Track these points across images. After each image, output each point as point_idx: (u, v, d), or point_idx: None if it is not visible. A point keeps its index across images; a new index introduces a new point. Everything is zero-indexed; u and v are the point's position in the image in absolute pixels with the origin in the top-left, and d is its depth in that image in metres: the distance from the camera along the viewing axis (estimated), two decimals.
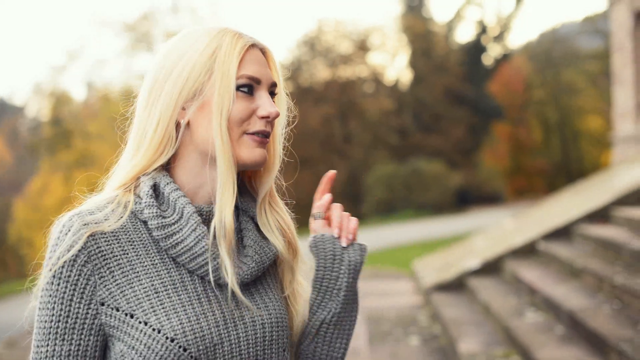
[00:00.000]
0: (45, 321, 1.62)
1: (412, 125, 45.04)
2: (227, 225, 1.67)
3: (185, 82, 1.69)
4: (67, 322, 1.61)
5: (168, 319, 1.62)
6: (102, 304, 1.62)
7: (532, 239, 10.70)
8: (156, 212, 1.67)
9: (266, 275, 1.83)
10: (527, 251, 10.60)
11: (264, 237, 1.82)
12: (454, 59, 48.01)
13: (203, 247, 1.67)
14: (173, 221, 1.68)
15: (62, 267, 1.62)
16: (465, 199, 43.61)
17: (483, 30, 51.63)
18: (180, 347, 1.60)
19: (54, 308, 1.61)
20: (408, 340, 8.68)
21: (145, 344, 1.60)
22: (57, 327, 1.61)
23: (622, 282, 7.50)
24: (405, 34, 46.91)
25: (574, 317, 7.27)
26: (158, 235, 1.67)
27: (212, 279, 1.67)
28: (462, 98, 47.72)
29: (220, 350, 1.65)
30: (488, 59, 51.96)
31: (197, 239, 1.67)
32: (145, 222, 1.71)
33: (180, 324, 1.62)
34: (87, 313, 1.62)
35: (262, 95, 1.75)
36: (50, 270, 1.62)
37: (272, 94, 1.82)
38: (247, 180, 1.88)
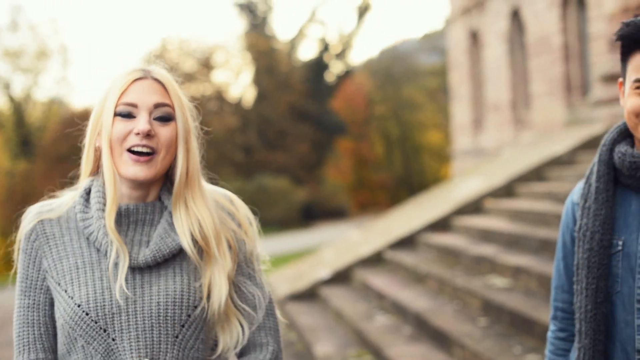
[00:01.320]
0: (18, 281, 2.21)
1: (257, 142, 45.48)
2: (108, 222, 2.12)
3: (94, 118, 2.20)
4: (26, 282, 2.20)
5: (79, 290, 2.10)
6: (46, 271, 2.17)
7: (379, 248, 11.34)
8: (80, 209, 2.19)
9: (181, 262, 2.20)
10: (375, 260, 11.22)
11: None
12: (297, 76, 48.79)
13: (103, 235, 2.13)
14: (89, 216, 2.17)
15: (22, 242, 2.20)
16: (311, 214, 44.37)
17: (325, 47, 52.75)
18: (83, 311, 2.08)
19: (20, 272, 2.20)
20: None
21: (63, 306, 2.12)
22: (21, 286, 2.20)
23: (462, 284, 8.17)
24: (249, 52, 47.34)
25: (420, 318, 7.87)
26: (81, 225, 2.17)
27: (110, 262, 2.12)
28: (306, 115, 48.51)
29: (118, 319, 2.08)
30: (330, 76, 53.10)
31: (99, 229, 2.14)
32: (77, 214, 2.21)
33: (87, 294, 2.09)
34: (38, 276, 2.18)
35: (140, 116, 2.14)
36: (18, 244, 2.21)
37: (168, 117, 2.18)
38: None
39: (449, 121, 44.96)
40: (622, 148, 2.31)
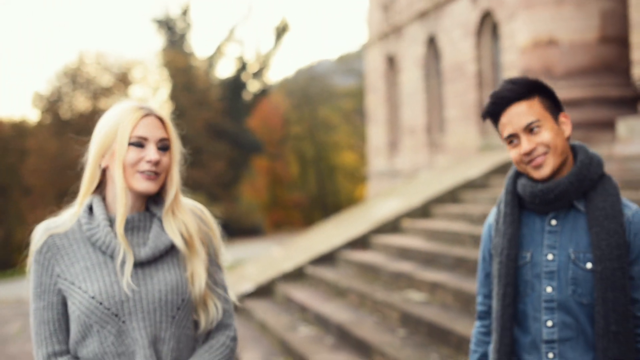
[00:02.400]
0: (32, 288, 2.66)
1: None
2: (118, 229, 2.64)
3: (103, 140, 2.68)
4: (40, 288, 2.65)
5: (92, 285, 2.60)
6: (58, 276, 2.63)
7: (301, 264, 11.77)
8: (85, 221, 2.67)
9: (172, 258, 2.73)
10: (297, 275, 11.65)
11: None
12: (215, 94, 48.98)
13: (110, 240, 2.63)
14: (94, 226, 2.66)
15: (36, 254, 2.65)
16: (227, 231, 44.08)
17: (243, 66, 53.11)
18: (97, 301, 2.58)
19: (34, 280, 2.66)
20: None
21: (79, 300, 2.59)
22: (36, 291, 2.65)
23: (382, 298, 8.66)
24: (166, 68, 47.38)
25: (342, 329, 8.33)
26: (88, 235, 2.66)
27: (119, 264, 2.63)
28: (223, 132, 48.70)
29: (127, 305, 2.60)
30: (247, 94, 53.44)
31: (106, 235, 2.64)
32: (82, 226, 2.68)
33: (99, 288, 2.59)
34: (50, 281, 2.64)
35: (149, 147, 2.68)
36: (31, 257, 2.67)
37: (167, 147, 2.74)
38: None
39: (364, 143, 45.80)
40: (522, 180, 2.84)
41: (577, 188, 2.74)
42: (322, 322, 9.09)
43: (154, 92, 47.40)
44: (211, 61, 52.91)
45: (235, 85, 52.28)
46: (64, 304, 2.65)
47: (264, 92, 54.40)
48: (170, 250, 2.73)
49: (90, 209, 2.70)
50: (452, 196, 11.94)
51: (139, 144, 2.66)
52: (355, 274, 10.63)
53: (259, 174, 53.17)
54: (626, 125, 9.56)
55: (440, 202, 11.96)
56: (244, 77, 53.40)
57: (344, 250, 11.70)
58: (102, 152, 2.68)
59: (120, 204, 2.64)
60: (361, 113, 50.67)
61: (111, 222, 2.68)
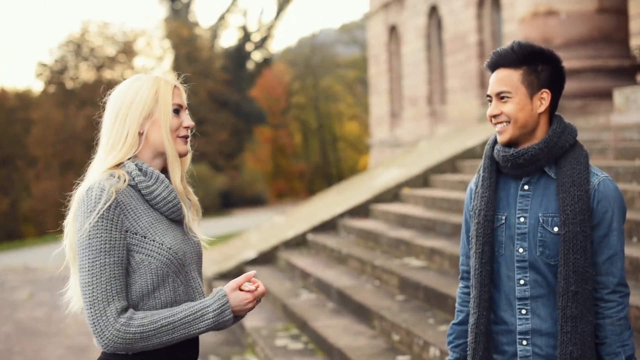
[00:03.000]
0: (98, 244, 2.66)
1: None
2: (178, 187, 2.86)
3: (143, 108, 2.82)
4: (110, 243, 2.67)
5: (166, 238, 2.77)
6: (127, 231, 2.72)
7: (303, 231, 12.00)
8: (142, 179, 2.79)
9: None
10: (299, 242, 11.88)
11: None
12: (218, 64, 49.04)
13: (174, 196, 2.84)
14: (152, 184, 2.81)
15: (105, 211, 2.68)
16: (230, 201, 44.77)
17: (246, 36, 53.11)
18: (174, 252, 2.77)
19: (102, 235, 2.67)
20: None
21: (158, 252, 2.74)
22: (105, 247, 2.67)
23: (381, 264, 8.88)
24: (170, 39, 47.41)
25: (342, 294, 8.56)
26: (145, 193, 2.80)
27: (184, 217, 2.88)
28: (226, 102, 48.79)
29: (188, 256, 2.85)
30: (250, 64, 53.47)
31: (169, 192, 2.82)
32: (133, 187, 2.80)
33: (170, 240, 2.78)
34: (120, 236, 2.70)
35: (184, 114, 2.90)
36: (98, 214, 2.66)
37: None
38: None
39: (366, 113, 45.86)
40: (498, 146, 3.03)
41: (547, 155, 2.93)
42: (323, 288, 9.32)
43: (158, 61, 47.42)
44: (214, 31, 52.96)
45: (238, 55, 52.35)
46: (128, 260, 2.73)
47: (266, 62, 54.47)
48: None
49: (139, 169, 2.83)
50: (451, 165, 12.13)
51: (177, 110, 2.86)
52: (355, 242, 10.85)
53: (262, 143, 53.33)
54: (623, 95, 9.72)
55: (440, 171, 12.16)
56: (247, 47, 53.43)
57: (345, 219, 11.92)
58: (145, 118, 2.81)
59: (176, 166, 2.84)
60: (364, 83, 50.75)
61: None
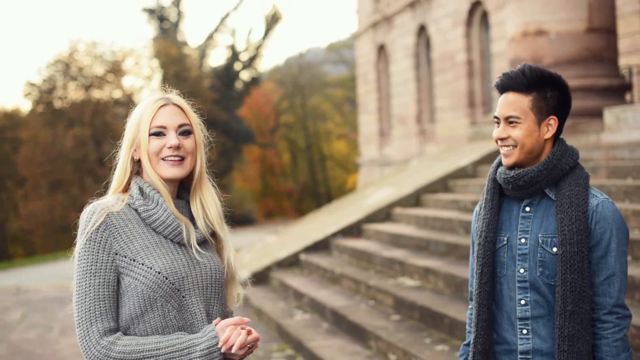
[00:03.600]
0: (85, 266, 2.72)
1: None
2: (174, 212, 2.82)
3: (130, 135, 2.85)
4: (96, 265, 2.71)
5: (156, 261, 2.74)
6: (116, 254, 2.72)
7: (295, 251, 12.02)
8: (142, 202, 2.80)
9: (210, 247, 2.94)
10: (291, 262, 11.90)
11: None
12: (207, 83, 49.07)
13: (172, 219, 2.81)
14: (152, 207, 2.81)
15: (93, 233, 2.72)
16: None
17: (234, 55, 53.19)
18: (163, 276, 2.73)
19: (89, 257, 2.71)
20: None
21: (144, 276, 2.72)
22: (92, 268, 2.71)
23: (375, 284, 8.90)
24: (158, 58, 47.42)
25: (337, 314, 8.57)
26: (144, 216, 2.80)
27: (186, 240, 2.81)
28: (214, 121, 48.75)
29: (187, 281, 2.78)
30: (239, 83, 53.54)
31: (167, 215, 2.80)
32: (135, 209, 2.82)
33: (163, 264, 2.74)
34: (108, 258, 2.71)
35: (169, 134, 2.85)
36: (86, 236, 2.72)
37: (189, 131, 2.90)
38: None
39: (354, 132, 45.94)
40: (501, 168, 3.09)
41: (547, 176, 2.98)
42: (317, 308, 9.33)
43: (146, 81, 47.42)
44: (203, 50, 53.01)
45: (226, 74, 52.38)
46: (117, 283, 2.74)
47: (255, 81, 54.52)
48: (212, 235, 2.94)
49: (141, 192, 2.84)
50: (443, 184, 12.18)
51: (159, 133, 2.82)
52: (349, 261, 10.87)
53: (250, 163, 53.36)
54: (613, 115, 9.80)
55: (432, 190, 12.21)
56: (235, 66, 53.49)
57: (338, 238, 11.94)
58: (131, 145, 2.83)
59: (162, 189, 2.81)
60: (352, 102, 50.85)
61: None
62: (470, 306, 3.31)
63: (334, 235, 12.07)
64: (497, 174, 3.09)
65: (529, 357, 3.00)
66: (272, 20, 54.39)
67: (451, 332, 6.94)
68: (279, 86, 56.38)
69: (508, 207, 3.11)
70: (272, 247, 13.52)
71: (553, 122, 3.00)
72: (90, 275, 2.71)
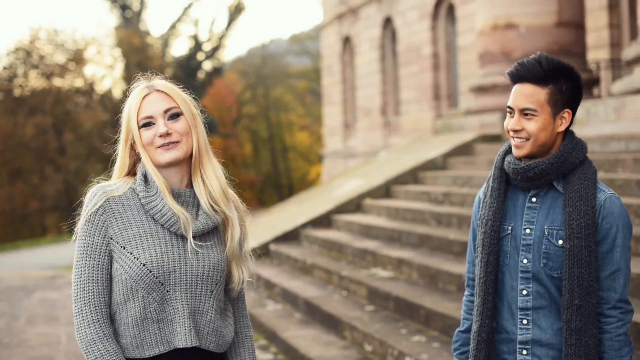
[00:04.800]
0: (82, 246, 2.74)
1: None
2: (170, 202, 2.75)
3: (124, 128, 2.83)
4: (91, 247, 2.73)
5: (144, 252, 2.71)
6: (111, 238, 2.73)
7: (265, 241, 11.97)
8: (143, 188, 2.78)
9: (215, 235, 2.86)
10: (261, 253, 11.85)
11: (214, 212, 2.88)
12: (169, 73, 48.71)
13: (168, 209, 2.76)
14: (152, 194, 2.78)
15: (92, 215, 2.73)
16: None
17: (197, 45, 52.89)
18: (147, 269, 2.70)
19: (86, 239, 2.73)
20: None
21: (129, 265, 2.71)
22: (86, 250, 2.73)
23: (348, 274, 8.91)
24: (120, 47, 46.99)
25: (310, 304, 8.56)
26: (144, 203, 2.77)
27: (183, 231, 2.75)
28: None
29: (174, 276, 2.74)
30: (201, 73, 53.27)
31: (164, 205, 2.76)
32: (138, 194, 2.80)
33: (150, 256, 2.71)
34: (102, 242, 2.73)
35: (158, 122, 2.81)
36: (85, 217, 2.73)
37: (177, 114, 2.84)
38: None
39: (317, 123, 45.94)
40: (509, 157, 3.06)
41: (557, 169, 2.96)
42: (289, 298, 9.31)
43: (108, 70, 46.97)
44: (165, 40, 52.61)
45: (189, 64, 52.08)
46: (111, 265, 2.75)
47: (217, 72, 54.24)
48: (216, 228, 2.86)
49: (145, 178, 2.82)
50: (413, 176, 12.21)
51: (148, 123, 2.78)
52: (319, 252, 10.86)
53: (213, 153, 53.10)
54: (584, 109, 9.88)
55: (402, 182, 12.23)
56: (198, 56, 53.20)
57: (308, 229, 11.93)
58: (126, 139, 2.82)
59: (158, 181, 2.77)
60: (314, 93, 50.85)
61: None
62: (467, 293, 3.30)
63: (304, 225, 12.05)
64: (506, 163, 3.06)
65: (527, 347, 2.99)
66: (236, 11, 54.10)
67: (427, 323, 6.95)
68: (242, 77, 56.20)
69: (513, 196, 3.09)
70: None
71: (567, 115, 2.96)
72: (86, 256, 2.73)
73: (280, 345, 7.91)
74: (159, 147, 2.78)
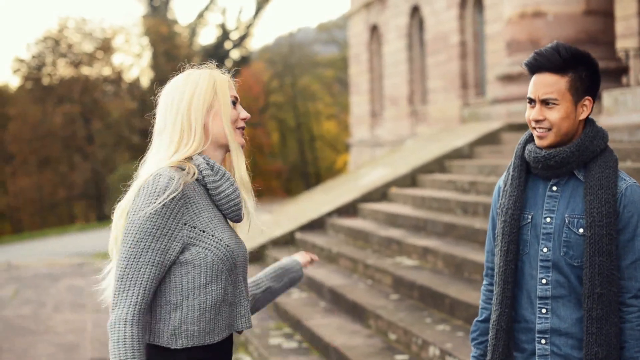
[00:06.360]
0: (150, 228, 2.64)
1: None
2: (244, 179, 2.87)
3: (204, 101, 2.81)
4: (161, 230, 2.65)
5: (223, 234, 2.75)
6: (185, 224, 2.70)
7: (290, 230, 12.00)
8: (210, 173, 2.78)
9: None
10: (287, 241, 11.88)
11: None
12: (196, 62, 48.66)
13: (237, 195, 2.82)
14: (219, 179, 2.79)
15: (170, 200, 2.66)
16: None
17: (224, 34, 52.99)
18: (231, 249, 2.74)
19: (157, 221, 2.65)
20: None
21: (216, 247, 2.72)
22: (157, 232, 2.65)
23: (373, 263, 8.90)
24: (148, 36, 47.16)
25: (335, 293, 8.57)
26: (210, 189, 2.79)
27: (243, 217, 2.86)
28: None
29: (239, 257, 2.79)
30: (229, 62, 53.36)
31: (233, 189, 2.81)
32: (199, 181, 2.79)
33: (229, 238, 2.75)
34: (176, 227, 2.68)
35: (240, 106, 2.91)
36: (162, 201, 2.65)
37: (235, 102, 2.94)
38: None
39: (344, 112, 45.86)
40: (529, 146, 3.04)
41: (578, 158, 2.94)
42: (314, 287, 9.32)
43: (136, 59, 47.18)
44: (193, 29, 52.77)
45: (216, 53, 52.15)
46: (178, 252, 2.70)
47: (245, 61, 54.30)
48: None
49: (207, 164, 2.82)
50: (439, 165, 12.17)
51: (234, 102, 2.86)
52: (345, 240, 10.86)
53: None
54: (612, 97, 9.80)
55: (428, 170, 12.20)
56: (225, 45, 53.30)
57: (334, 217, 11.93)
58: (205, 112, 2.81)
59: (241, 157, 2.85)
60: (342, 82, 50.73)
61: None
62: (485, 282, 3.28)
63: (330, 214, 12.06)
64: (526, 151, 3.04)
65: (546, 336, 2.97)
66: (263, 1, 54.13)
67: (452, 312, 6.94)
68: (269, 66, 56.19)
69: (533, 185, 3.07)
70: (267, 226, 13.49)
71: (588, 102, 2.94)
72: (154, 239, 2.65)
73: (305, 334, 7.93)
74: (237, 129, 2.87)
